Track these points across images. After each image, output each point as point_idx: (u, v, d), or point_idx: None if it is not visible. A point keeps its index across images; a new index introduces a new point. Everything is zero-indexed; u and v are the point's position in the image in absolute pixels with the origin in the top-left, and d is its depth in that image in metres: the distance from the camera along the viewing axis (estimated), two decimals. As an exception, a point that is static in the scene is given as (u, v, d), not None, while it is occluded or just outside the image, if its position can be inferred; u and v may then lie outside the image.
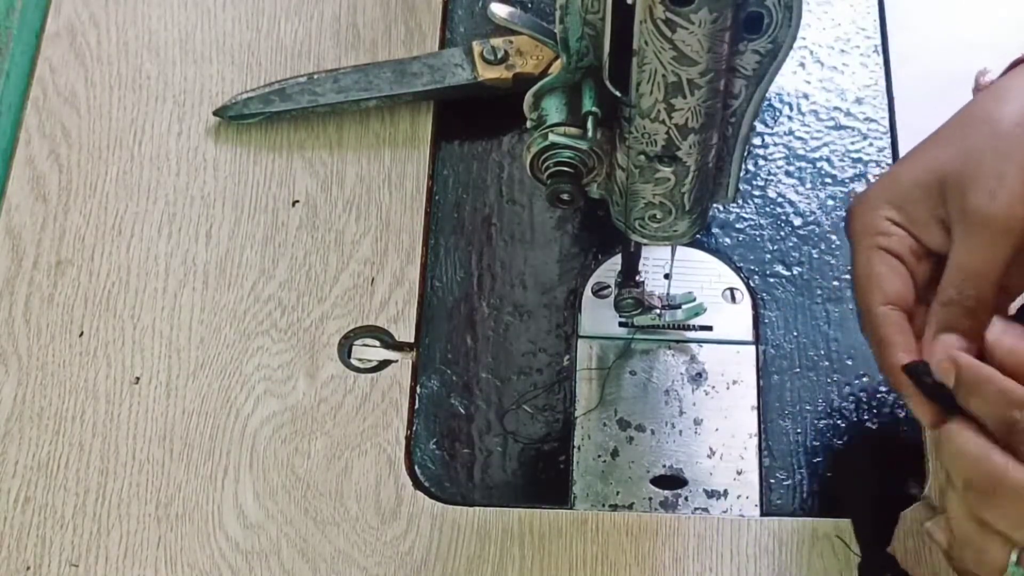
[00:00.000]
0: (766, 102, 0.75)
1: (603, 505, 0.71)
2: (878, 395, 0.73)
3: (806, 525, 0.69)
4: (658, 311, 0.74)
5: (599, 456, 0.72)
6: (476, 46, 0.81)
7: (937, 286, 0.63)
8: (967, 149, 0.64)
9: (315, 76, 0.80)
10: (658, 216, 0.64)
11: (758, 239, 0.78)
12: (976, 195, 0.61)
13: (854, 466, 0.71)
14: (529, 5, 0.86)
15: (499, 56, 0.80)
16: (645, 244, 0.67)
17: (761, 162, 0.80)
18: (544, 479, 0.72)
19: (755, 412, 0.73)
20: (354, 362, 0.75)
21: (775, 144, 0.81)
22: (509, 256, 0.78)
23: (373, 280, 0.76)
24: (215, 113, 0.80)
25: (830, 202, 0.79)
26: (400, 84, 0.80)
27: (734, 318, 0.76)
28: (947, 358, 0.59)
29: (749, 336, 0.75)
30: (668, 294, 0.74)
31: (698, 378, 0.74)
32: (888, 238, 0.65)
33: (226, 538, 0.70)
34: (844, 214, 0.70)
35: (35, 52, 0.83)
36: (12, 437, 0.72)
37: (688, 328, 0.75)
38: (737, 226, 0.78)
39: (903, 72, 0.82)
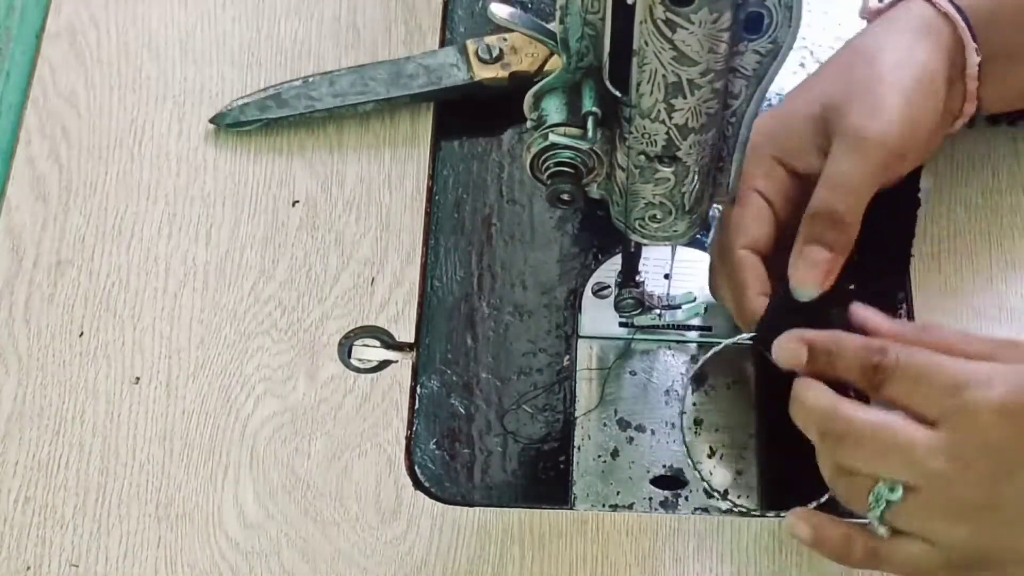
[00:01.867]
0: (766, 102, 0.75)
1: (603, 505, 0.71)
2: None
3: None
4: (658, 311, 0.74)
5: (599, 456, 0.72)
6: (470, 45, 0.81)
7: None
8: (850, 80, 0.68)
9: (310, 79, 0.80)
10: (658, 216, 0.64)
11: (758, 239, 0.78)
12: (856, 116, 0.66)
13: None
14: (529, 5, 0.86)
15: (494, 55, 0.80)
16: (645, 244, 0.67)
17: (761, 162, 0.80)
18: (544, 479, 0.72)
19: (755, 412, 0.73)
20: (354, 362, 0.75)
21: (775, 144, 0.81)
22: (509, 256, 0.78)
23: (373, 280, 0.77)
24: (212, 121, 0.80)
25: (830, 202, 0.79)
26: (396, 86, 0.80)
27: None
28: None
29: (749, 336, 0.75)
30: (668, 294, 0.74)
31: (698, 378, 0.74)
32: (766, 180, 0.69)
33: (226, 538, 0.70)
34: None
35: (35, 52, 0.83)
36: (12, 437, 0.72)
37: (688, 328, 0.75)
38: (737, 226, 0.78)
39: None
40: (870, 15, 0.72)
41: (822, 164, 0.67)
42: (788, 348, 0.63)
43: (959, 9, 0.69)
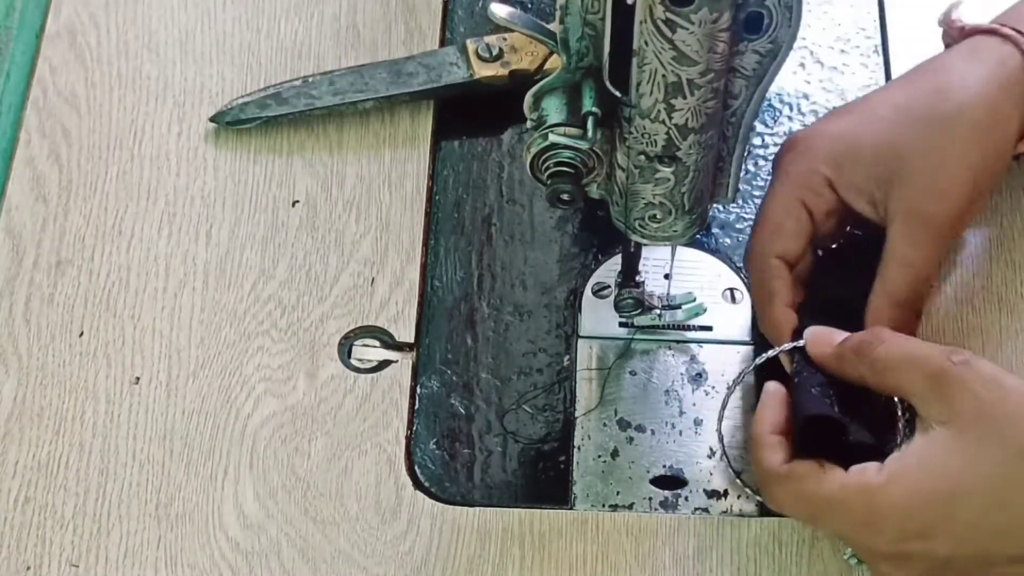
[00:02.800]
0: (766, 102, 0.75)
1: (603, 505, 0.71)
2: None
3: (806, 525, 0.69)
4: (658, 311, 0.74)
5: (599, 456, 0.72)
6: (470, 44, 0.81)
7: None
8: (926, 131, 0.67)
9: (310, 79, 0.80)
10: (658, 216, 0.64)
11: (758, 239, 0.78)
12: (923, 197, 0.67)
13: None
14: (529, 5, 0.86)
15: (494, 54, 0.80)
16: (645, 244, 0.67)
17: (761, 162, 0.80)
18: (544, 479, 0.72)
19: (755, 412, 0.73)
20: (354, 362, 0.75)
21: (775, 144, 0.81)
22: (509, 256, 0.78)
23: (373, 280, 0.77)
24: (212, 119, 0.80)
25: (830, 202, 0.79)
26: (396, 84, 0.80)
27: (734, 318, 0.76)
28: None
29: (749, 336, 0.75)
30: (668, 294, 0.74)
31: (698, 378, 0.74)
32: (815, 197, 0.69)
33: (226, 538, 0.70)
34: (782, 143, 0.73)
35: (35, 52, 0.83)
36: (12, 437, 0.72)
37: (688, 328, 0.75)
38: (737, 226, 0.78)
39: (903, 72, 0.82)
40: (950, 27, 0.72)
41: (868, 209, 0.69)
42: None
43: None
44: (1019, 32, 0.68)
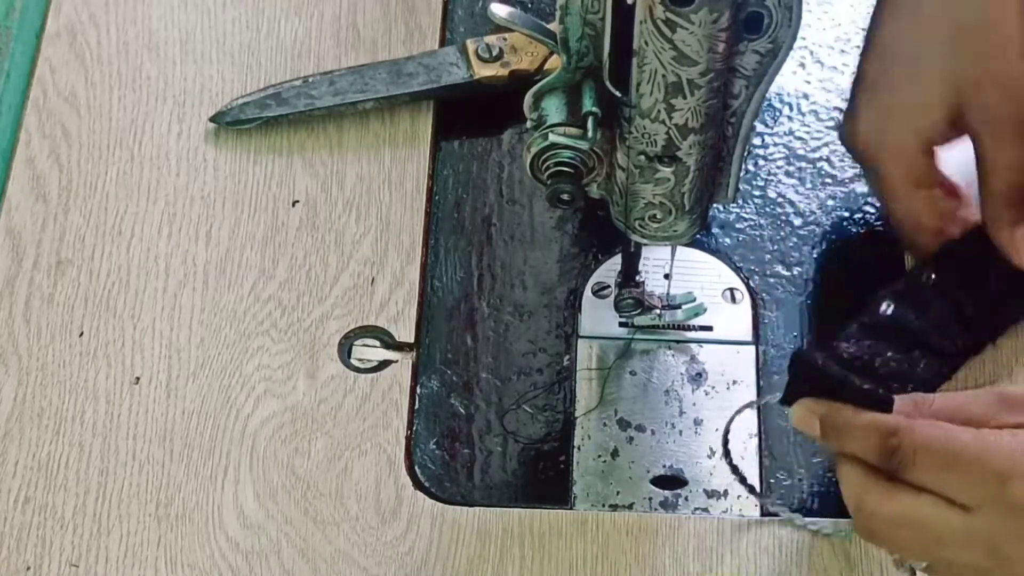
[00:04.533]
0: (766, 102, 0.75)
1: (603, 505, 0.71)
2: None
3: (806, 525, 0.69)
4: (658, 311, 0.74)
5: (599, 456, 0.72)
6: (470, 44, 0.81)
7: None
8: (983, 62, 0.67)
9: (310, 79, 0.80)
10: (658, 216, 0.64)
11: (758, 239, 0.78)
12: (1004, 102, 0.66)
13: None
14: (529, 5, 0.86)
15: (494, 54, 0.80)
16: (645, 244, 0.67)
17: (761, 162, 0.80)
18: (544, 479, 0.72)
19: (755, 412, 0.73)
20: (354, 362, 0.75)
21: (775, 144, 0.81)
22: (509, 256, 0.78)
23: (373, 280, 0.77)
24: (212, 119, 0.80)
25: (830, 202, 0.79)
26: (396, 84, 0.80)
27: (734, 318, 0.76)
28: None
29: (749, 336, 0.75)
30: (668, 294, 0.74)
31: (698, 378, 0.74)
32: (923, 175, 0.71)
33: (226, 538, 0.70)
34: (844, 127, 0.74)
35: (35, 52, 0.83)
36: (12, 437, 0.72)
37: (688, 328, 0.75)
38: (737, 226, 0.78)
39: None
40: None
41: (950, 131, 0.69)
42: (800, 416, 0.63)
43: None
44: None
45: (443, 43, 0.84)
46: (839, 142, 0.76)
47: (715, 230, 0.78)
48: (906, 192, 0.71)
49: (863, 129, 0.71)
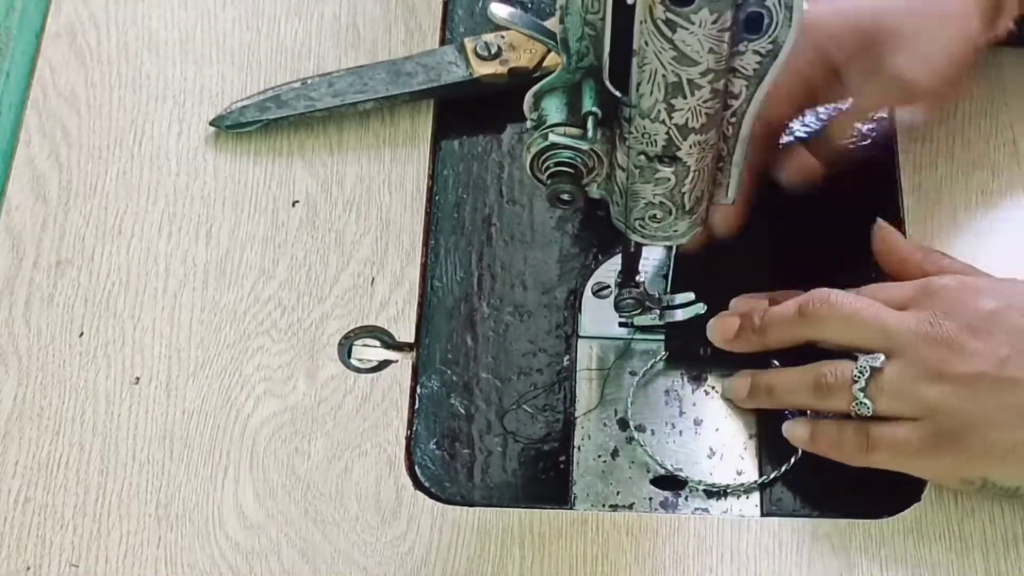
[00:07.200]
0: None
1: (603, 505, 0.71)
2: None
3: (806, 525, 0.69)
4: (658, 311, 0.74)
5: (599, 456, 0.72)
6: (468, 43, 0.81)
7: None
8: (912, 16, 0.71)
9: (309, 81, 0.80)
10: (658, 216, 0.64)
11: (758, 239, 0.78)
12: (911, 64, 0.70)
13: None
14: (529, 5, 0.86)
15: (492, 52, 0.80)
16: (645, 244, 0.67)
17: (761, 162, 0.80)
18: (544, 479, 0.72)
19: (755, 412, 0.73)
20: (354, 362, 0.75)
21: (775, 144, 0.81)
22: (509, 256, 0.78)
23: (373, 280, 0.77)
24: (212, 123, 0.80)
25: (830, 202, 0.79)
26: (395, 84, 0.80)
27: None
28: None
29: (749, 336, 0.75)
30: (668, 294, 0.74)
31: (698, 378, 0.74)
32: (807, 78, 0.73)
33: (226, 538, 0.70)
34: None
35: (35, 52, 0.83)
36: (12, 437, 0.72)
37: (688, 328, 0.75)
38: (737, 226, 0.78)
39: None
40: None
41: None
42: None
43: None
44: None
45: (443, 43, 0.84)
46: None
47: (715, 230, 0.78)
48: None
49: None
